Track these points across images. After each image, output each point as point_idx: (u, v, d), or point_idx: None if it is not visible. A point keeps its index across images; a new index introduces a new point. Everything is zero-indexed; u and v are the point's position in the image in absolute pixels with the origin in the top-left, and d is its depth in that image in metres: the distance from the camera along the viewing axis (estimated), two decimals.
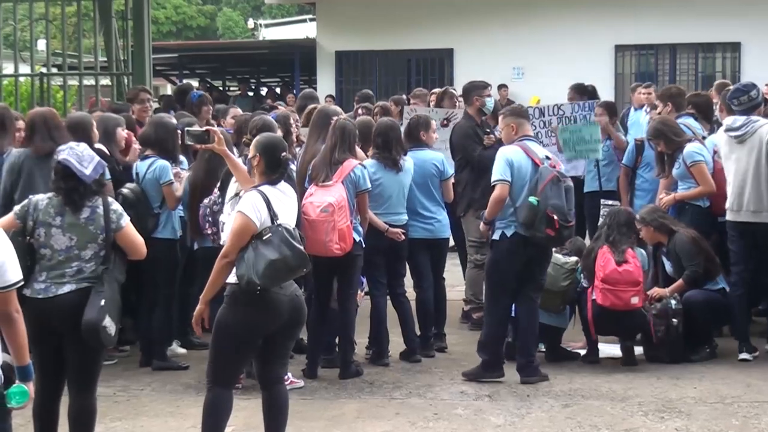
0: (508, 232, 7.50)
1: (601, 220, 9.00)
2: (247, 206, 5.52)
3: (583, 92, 10.56)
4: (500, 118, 7.97)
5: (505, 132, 7.77)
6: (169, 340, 8.34)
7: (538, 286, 7.68)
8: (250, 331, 5.54)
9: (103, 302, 5.41)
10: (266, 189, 5.61)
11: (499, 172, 7.49)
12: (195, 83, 23.79)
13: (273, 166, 5.67)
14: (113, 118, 8.50)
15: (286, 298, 5.54)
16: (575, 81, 10.96)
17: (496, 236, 7.61)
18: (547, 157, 7.56)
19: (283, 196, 5.66)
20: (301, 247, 5.51)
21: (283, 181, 5.72)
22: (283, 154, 5.69)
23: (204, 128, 6.51)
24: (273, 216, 5.51)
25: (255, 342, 5.59)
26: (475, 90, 9.51)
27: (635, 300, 7.87)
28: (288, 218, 5.61)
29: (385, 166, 8.08)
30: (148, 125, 8.46)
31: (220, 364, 5.64)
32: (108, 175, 7.80)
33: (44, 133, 7.56)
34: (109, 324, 5.41)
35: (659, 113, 9.39)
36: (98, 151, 8.19)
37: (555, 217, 7.26)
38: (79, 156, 5.56)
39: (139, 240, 5.70)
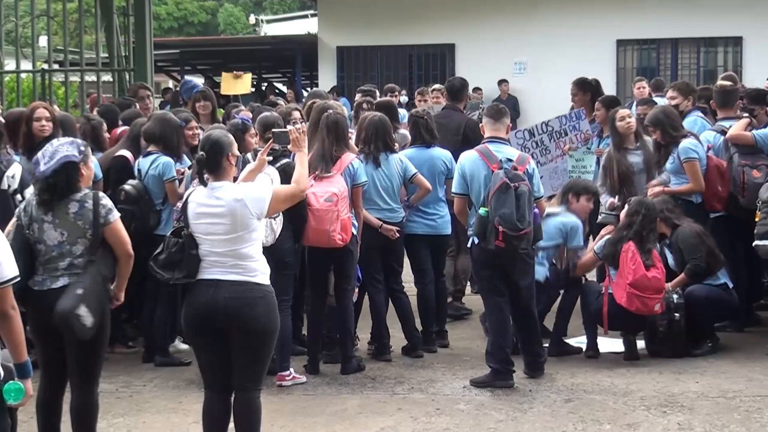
0: (476, 240, 7.42)
1: (601, 217, 8.94)
2: None
3: (585, 87, 10.48)
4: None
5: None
6: (171, 336, 8.34)
7: (524, 291, 7.49)
8: (185, 327, 5.68)
9: (80, 291, 5.40)
10: (197, 190, 5.58)
11: (455, 184, 7.58)
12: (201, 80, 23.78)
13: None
14: (174, 120, 8.40)
15: (209, 294, 5.40)
16: (577, 76, 10.88)
17: (470, 243, 7.57)
18: (509, 160, 7.39)
19: (211, 198, 5.47)
20: (163, 257, 5.51)
21: (218, 183, 5.50)
22: (200, 153, 5.56)
23: (286, 129, 6.32)
24: (183, 216, 5.56)
25: (199, 337, 5.53)
26: (466, 88, 9.95)
27: (658, 308, 7.86)
28: (207, 221, 5.44)
29: (367, 162, 8.08)
30: (152, 121, 8.43)
31: (198, 364, 5.71)
32: (99, 175, 7.87)
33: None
34: (85, 314, 5.37)
35: (676, 105, 9.35)
36: (122, 158, 8.26)
37: (500, 228, 7.12)
38: (43, 153, 5.58)
39: (126, 238, 5.66)
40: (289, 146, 6.11)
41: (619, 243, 7.96)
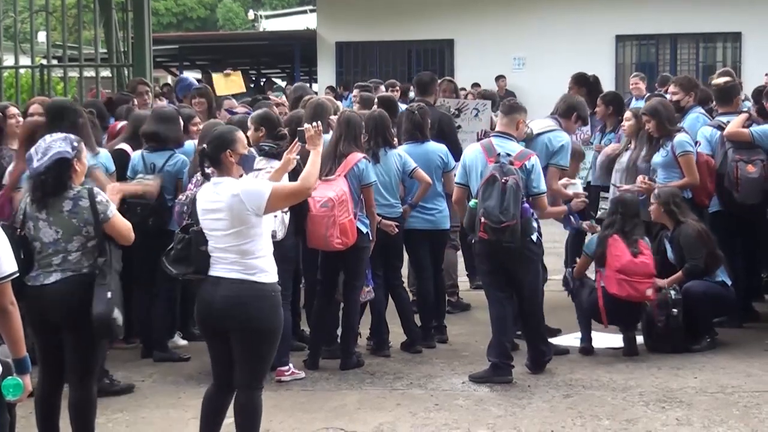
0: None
1: (600, 212, 8.96)
2: None
3: (581, 81, 10.46)
4: None
5: None
6: (170, 332, 8.34)
7: (526, 287, 7.48)
8: (197, 323, 5.85)
9: (110, 294, 5.43)
10: (204, 186, 5.62)
11: (458, 174, 7.74)
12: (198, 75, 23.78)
13: None
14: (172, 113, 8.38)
15: (210, 292, 5.44)
16: (576, 71, 10.88)
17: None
18: (508, 154, 7.37)
19: (213, 194, 5.48)
20: (183, 252, 5.57)
21: (219, 178, 5.50)
22: (203, 146, 5.64)
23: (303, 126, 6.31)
24: (193, 213, 5.64)
25: (205, 334, 5.66)
26: (435, 82, 10.06)
27: (650, 292, 7.88)
28: (211, 217, 5.46)
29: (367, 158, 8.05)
30: (153, 123, 8.36)
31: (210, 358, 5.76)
32: (111, 168, 7.83)
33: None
34: (118, 315, 5.46)
35: (677, 101, 9.32)
36: (122, 152, 8.21)
37: (482, 220, 7.16)
38: (36, 149, 5.56)
39: (127, 226, 5.67)
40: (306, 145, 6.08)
41: (605, 241, 8.01)
